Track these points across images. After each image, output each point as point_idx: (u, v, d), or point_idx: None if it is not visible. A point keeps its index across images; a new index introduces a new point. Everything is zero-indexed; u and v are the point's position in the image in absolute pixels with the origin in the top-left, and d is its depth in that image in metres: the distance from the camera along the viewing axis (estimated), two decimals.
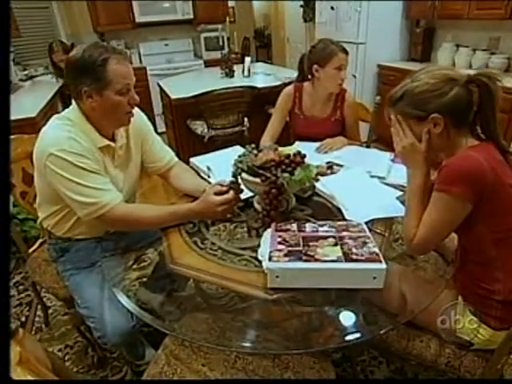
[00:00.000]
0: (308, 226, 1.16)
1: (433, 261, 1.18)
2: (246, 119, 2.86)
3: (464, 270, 1.08)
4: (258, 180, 1.21)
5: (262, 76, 3.58)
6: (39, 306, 1.86)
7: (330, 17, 4.18)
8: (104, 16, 4.53)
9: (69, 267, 1.41)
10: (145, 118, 1.51)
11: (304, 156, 1.27)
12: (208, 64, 4.87)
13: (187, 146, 3.09)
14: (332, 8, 4.11)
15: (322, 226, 1.16)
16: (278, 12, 6.82)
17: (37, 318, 1.93)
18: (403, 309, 1.01)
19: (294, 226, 1.16)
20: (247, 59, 3.40)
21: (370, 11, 3.70)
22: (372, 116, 2.05)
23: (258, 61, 7.44)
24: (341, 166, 1.63)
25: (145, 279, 1.98)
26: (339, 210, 1.33)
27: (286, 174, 1.18)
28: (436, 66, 1.07)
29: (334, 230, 1.13)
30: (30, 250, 1.67)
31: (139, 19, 4.67)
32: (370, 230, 1.16)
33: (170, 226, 1.30)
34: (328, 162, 1.63)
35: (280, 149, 1.30)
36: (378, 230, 1.20)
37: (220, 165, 1.50)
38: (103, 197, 1.21)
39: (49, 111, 2.80)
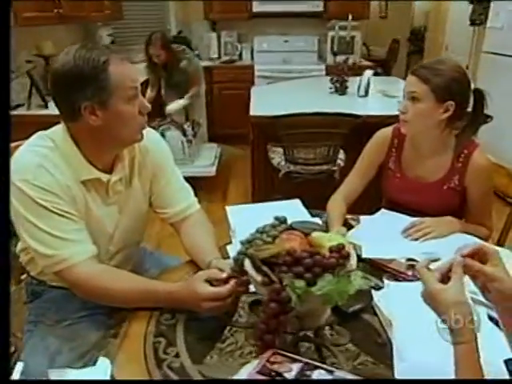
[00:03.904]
0: (316, 376, 0.87)
1: None
2: (341, 155, 2.57)
3: None
4: (259, 278, 0.96)
5: (382, 99, 3.20)
6: None
7: (510, 21, 3.66)
8: (218, 2, 4.76)
9: (31, 319, 1.36)
10: (164, 146, 1.42)
11: (345, 256, 0.97)
12: (330, 71, 4.68)
13: (264, 176, 2.95)
14: None
15: None
16: (439, 10, 6.36)
17: None
18: None
19: (295, 369, 0.89)
20: (367, 72, 3.11)
21: None
22: None
23: (407, 70, 7.01)
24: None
25: None
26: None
27: (301, 283, 0.90)
28: None
29: None
30: (22, 277, 1.69)
31: (257, 8, 4.78)
32: None
33: None
34: (409, 259, 1.27)
35: (330, 234, 1.06)
36: None
37: (257, 224, 1.23)
38: (63, 249, 1.13)
39: None
